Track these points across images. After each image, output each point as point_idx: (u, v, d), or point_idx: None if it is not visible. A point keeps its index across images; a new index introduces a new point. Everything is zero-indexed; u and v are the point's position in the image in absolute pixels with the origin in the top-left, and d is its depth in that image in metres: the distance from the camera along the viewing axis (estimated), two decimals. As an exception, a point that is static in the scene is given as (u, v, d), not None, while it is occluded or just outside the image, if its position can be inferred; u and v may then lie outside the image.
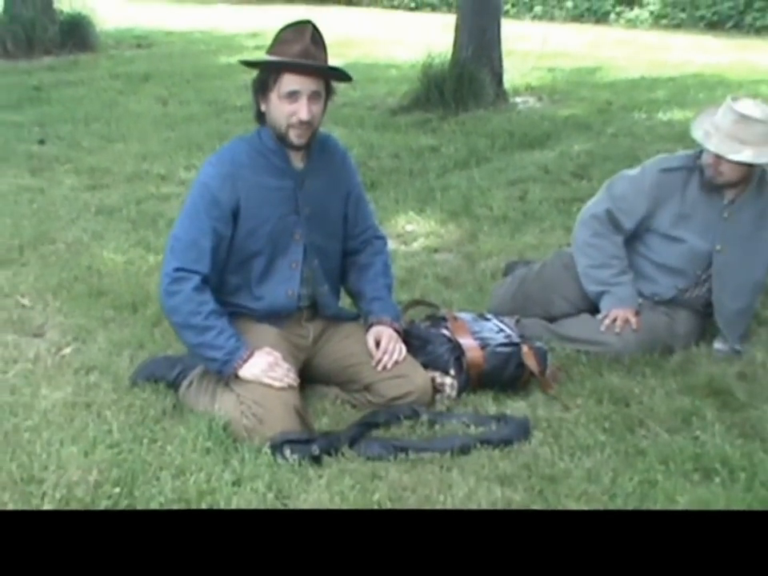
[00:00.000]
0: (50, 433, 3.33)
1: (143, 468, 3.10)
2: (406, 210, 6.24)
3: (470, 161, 7.52)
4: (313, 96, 3.39)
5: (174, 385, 3.69)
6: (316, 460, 3.21)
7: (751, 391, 3.83)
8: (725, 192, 4.11)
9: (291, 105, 3.38)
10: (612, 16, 19.06)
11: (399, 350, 3.66)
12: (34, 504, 2.89)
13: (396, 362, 3.63)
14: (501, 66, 9.85)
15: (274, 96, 3.41)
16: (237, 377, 3.41)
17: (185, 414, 3.52)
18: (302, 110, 3.37)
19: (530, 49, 12.79)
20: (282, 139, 3.48)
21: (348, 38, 14.58)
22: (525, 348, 3.78)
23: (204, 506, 2.93)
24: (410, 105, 9.44)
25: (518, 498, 3.03)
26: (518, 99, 10.05)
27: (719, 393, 3.80)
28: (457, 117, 8.99)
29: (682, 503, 2.99)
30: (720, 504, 2.98)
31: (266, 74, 3.42)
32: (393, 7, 22.11)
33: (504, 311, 4.27)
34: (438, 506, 2.98)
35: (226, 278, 3.59)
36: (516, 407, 3.67)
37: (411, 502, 3.01)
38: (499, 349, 3.77)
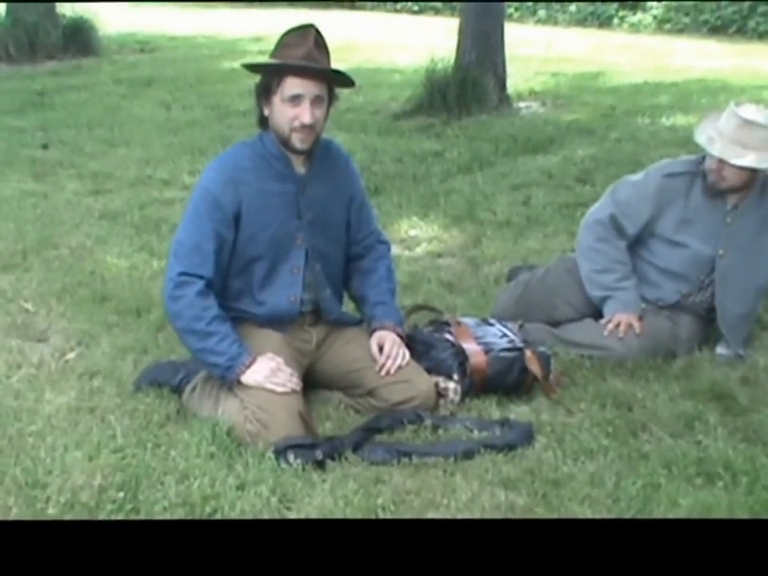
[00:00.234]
0: (54, 437, 3.34)
1: (147, 473, 3.11)
2: (410, 214, 6.25)
3: (473, 166, 7.52)
4: (316, 100, 3.39)
5: (177, 390, 3.69)
6: (320, 465, 3.22)
7: (754, 396, 3.83)
8: (728, 197, 4.12)
9: (294, 109, 3.38)
10: (615, 20, 19.08)
11: (402, 354, 3.66)
12: (38, 508, 2.90)
13: (399, 367, 3.63)
14: (504, 71, 9.85)
15: (276, 100, 3.41)
16: (240, 382, 3.41)
17: (188, 419, 3.52)
18: (305, 114, 3.37)
19: (534, 53, 12.80)
20: (285, 143, 3.48)
21: (351, 42, 14.60)
22: (528, 353, 3.79)
23: (208, 510, 2.94)
24: (414, 110, 9.46)
25: (521, 502, 3.03)
26: (522, 104, 10.07)
27: (722, 397, 3.80)
28: (460, 122, 9.01)
29: (685, 507, 2.99)
30: (722, 507, 2.98)
31: (269, 78, 3.42)
32: (396, 11, 22.14)
33: (507, 316, 4.27)
34: (442, 509, 2.99)
35: (229, 282, 3.59)
36: (519, 412, 3.67)
37: (415, 506, 3.01)
38: (503, 354, 3.77)
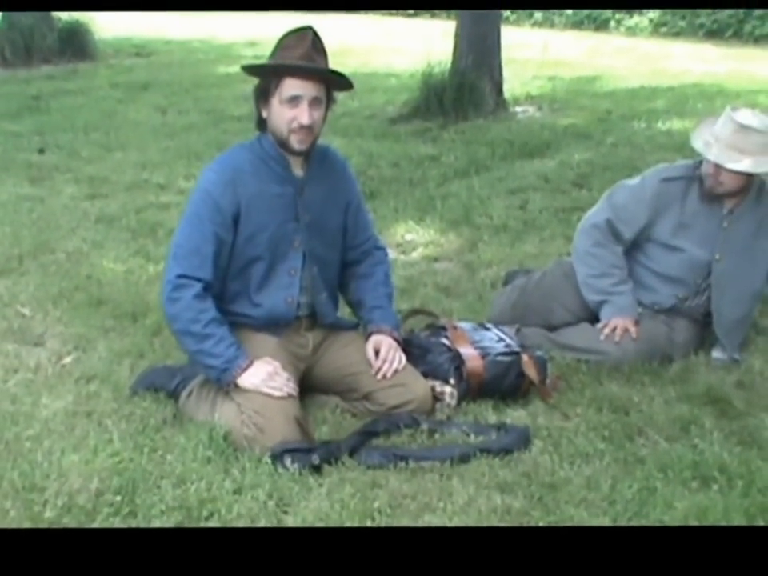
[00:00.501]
0: (51, 441, 3.34)
1: (144, 477, 3.11)
2: (406, 219, 6.25)
3: (469, 170, 7.53)
4: (314, 101, 3.40)
5: (173, 394, 3.69)
6: (316, 469, 3.22)
7: (749, 399, 3.84)
8: (724, 202, 4.13)
9: (292, 110, 3.39)
10: (612, 23, 19.10)
11: (399, 358, 3.66)
12: (35, 512, 2.89)
13: (396, 371, 3.63)
14: (501, 75, 9.86)
15: (275, 101, 3.41)
16: (237, 386, 3.41)
17: (185, 424, 3.52)
18: (303, 115, 3.38)
19: (530, 57, 12.80)
20: (283, 145, 3.49)
21: (346, 46, 14.59)
22: (525, 357, 3.79)
23: (205, 514, 2.94)
24: (410, 114, 9.46)
25: (517, 506, 3.04)
26: (518, 108, 10.07)
27: (717, 401, 3.81)
28: (457, 126, 9.01)
29: (681, 510, 3.00)
30: (718, 511, 2.99)
31: (267, 80, 3.42)
32: (391, 14, 22.10)
33: (504, 320, 4.27)
34: (438, 513, 2.99)
35: (226, 285, 3.60)
36: (516, 416, 3.67)
37: (411, 510, 3.02)
38: (499, 358, 3.78)
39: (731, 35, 17.32)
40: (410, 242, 5.88)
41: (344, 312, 3.99)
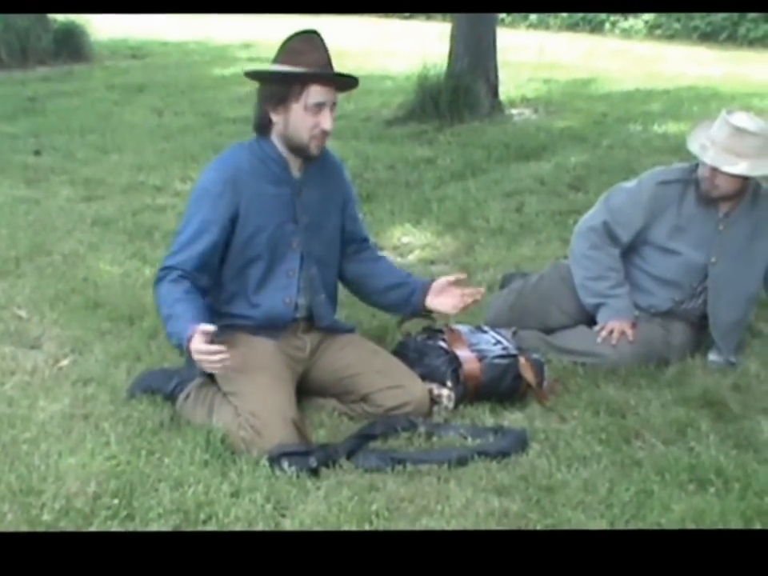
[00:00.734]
0: (48, 444, 3.34)
1: (141, 480, 3.11)
2: (402, 221, 6.25)
3: (465, 172, 7.52)
4: (333, 107, 3.45)
5: (171, 397, 3.69)
6: (314, 472, 3.22)
7: (745, 402, 3.85)
8: (720, 205, 4.13)
9: (315, 116, 3.41)
10: (607, 25, 19.10)
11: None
12: (33, 515, 2.89)
13: (475, 301, 3.78)
14: (496, 77, 9.83)
15: (298, 107, 3.42)
16: (234, 390, 3.42)
17: (182, 427, 3.52)
18: (327, 121, 3.43)
19: (526, 59, 12.80)
20: (299, 150, 3.50)
21: (342, 48, 14.51)
22: (522, 360, 3.79)
23: (203, 517, 2.95)
24: (406, 116, 9.45)
25: (515, 509, 3.04)
26: (514, 111, 10.06)
27: (714, 404, 3.81)
28: (452, 128, 9.00)
29: (677, 513, 3.00)
30: (715, 513, 2.99)
31: (286, 86, 3.41)
32: (386, 15, 22.07)
33: (501, 323, 4.28)
34: (436, 516, 3.00)
35: (224, 286, 3.61)
36: (513, 419, 3.68)
37: (409, 513, 3.02)
38: (496, 361, 3.78)
39: (726, 38, 17.31)
40: (407, 244, 5.89)
41: (341, 315, 3.99)
